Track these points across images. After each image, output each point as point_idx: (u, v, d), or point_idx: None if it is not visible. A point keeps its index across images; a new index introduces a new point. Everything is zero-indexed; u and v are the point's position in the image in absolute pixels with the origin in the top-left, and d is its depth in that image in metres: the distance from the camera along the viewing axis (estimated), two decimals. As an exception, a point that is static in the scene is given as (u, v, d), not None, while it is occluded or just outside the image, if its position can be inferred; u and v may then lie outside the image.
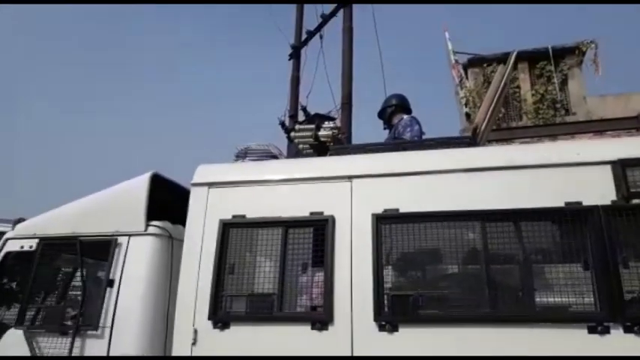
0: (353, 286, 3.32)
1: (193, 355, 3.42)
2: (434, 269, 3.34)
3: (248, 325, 3.42)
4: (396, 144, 4.14)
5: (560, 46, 12.89)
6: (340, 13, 8.63)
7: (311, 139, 4.90)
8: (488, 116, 4.40)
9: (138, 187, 4.10)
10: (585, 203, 3.12)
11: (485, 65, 13.51)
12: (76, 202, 4.26)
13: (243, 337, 3.40)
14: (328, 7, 8.97)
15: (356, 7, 8.47)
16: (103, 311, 3.74)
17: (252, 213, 3.69)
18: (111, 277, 3.84)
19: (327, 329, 3.27)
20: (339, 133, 5.03)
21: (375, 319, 3.19)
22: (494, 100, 4.49)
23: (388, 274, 3.30)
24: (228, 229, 3.69)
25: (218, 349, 3.40)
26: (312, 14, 9.34)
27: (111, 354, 3.62)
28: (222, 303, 3.51)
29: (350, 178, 3.62)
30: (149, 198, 4.05)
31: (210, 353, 3.40)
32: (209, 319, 3.46)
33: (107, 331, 3.70)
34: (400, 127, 4.84)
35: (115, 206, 4.14)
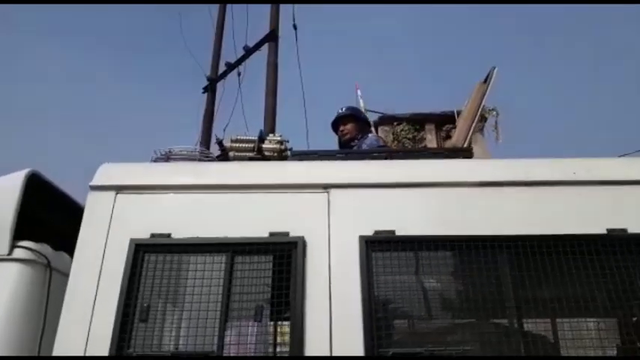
0: (333, 340, 2.28)
1: None
2: (447, 316, 2.40)
3: (169, 405, 2.20)
4: (381, 151, 3.26)
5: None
6: (264, 47, 8.18)
7: (252, 153, 3.90)
8: (469, 133, 3.74)
9: (5, 191, 2.75)
10: (632, 230, 2.45)
11: (395, 124, 13.63)
12: None
13: (161, 423, 2.17)
14: (251, 40, 8.49)
15: (281, 43, 8.04)
16: None
17: (182, 231, 2.54)
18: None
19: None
20: (286, 149, 4.09)
21: (370, 390, 2.17)
22: (474, 117, 3.86)
23: (384, 322, 2.31)
24: (143, 253, 2.49)
25: None
26: (231, 48, 8.80)
27: None
28: (127, 367, 2.26)
29: (326, 187, 2.64)
30: (20, 207, 2.71)
31: None
32: (106, 394, 2.19)
33: None
34: (364, 146, 4.00)
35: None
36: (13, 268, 2.61)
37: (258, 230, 2.52)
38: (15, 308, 2.55)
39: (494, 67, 4.24)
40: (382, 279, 2.39)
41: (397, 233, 2.47)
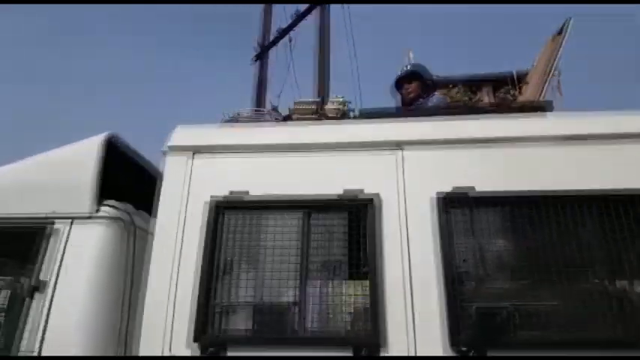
0: (414, 295, 2.30)
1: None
2: (531, 273, 2.35)
3: (255, 351, 2.29)
4: (456, 108, 3.16)
5: (524, 71, 12.71)
6: (315, 12, 8.04)
7: (314, 115, 3.89)
8: (544, 87, 3.56)
9: (87, 153, 2.87)
10: None
11: (450, 86, 13.18)
12: (-6, 170, 2.95)
13: (248, 369, 2.27)
14: (303, 6, 8.35)
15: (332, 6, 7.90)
16: (27, 331, 2.47)
17: (258, 190, 2.60)
18: (42, 277, 2.58)
19: (378, 357, 2.22)
20: (348, 110, 4.04)
21: (452, 344, 2.18)
22: (549, 71, 3.67)
23: (465, 278, 2.30)
24: (223, 211, 2.57)
25: (209, 387, 2.25)
26: (280, 15, 8.72)
27: (35, 395, 2.36)
28: (213, 318, 2.36)
29: (399, 145, 2.61)
30: (102, 169, 2.84)
31: (197, 394, 2.25)
32: (195, 341, 2.30)
33: (30, 360, 2.43)
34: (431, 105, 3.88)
35: (52, 178, 2.87)
36: (100, 226, 2.75)
37: (332, 189, 2.54)
38: (104, 264, 2.70)
39: (570, 18, 4.00)
40: (460, 236, 2.37)
41: (477, 190, 2.42)
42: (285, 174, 2.64)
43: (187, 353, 2.31)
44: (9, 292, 2.61)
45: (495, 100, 3.92)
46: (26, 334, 2.46)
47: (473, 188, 2.42)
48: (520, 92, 3.88)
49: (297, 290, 2.37)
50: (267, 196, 2.56)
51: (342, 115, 3.95)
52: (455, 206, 2.41)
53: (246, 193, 2.58)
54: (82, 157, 2.87)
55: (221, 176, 2.66)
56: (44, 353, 2.42)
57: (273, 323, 2.34)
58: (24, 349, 2.45)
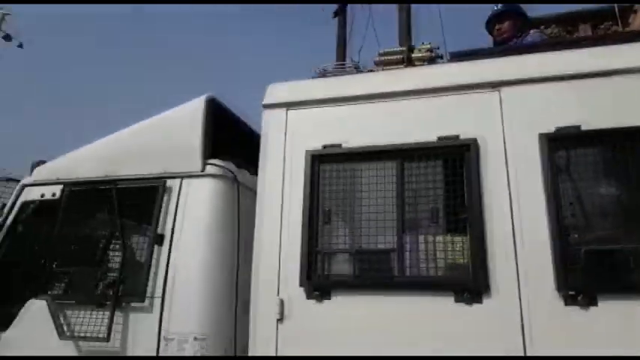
0: (517, 239, 2.24)
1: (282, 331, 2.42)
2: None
3: (357, 294, 2.39)
4: (555, 44, 2.95)
5: (627, 5, 11.33)
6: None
7: (402, 64, 3.79)
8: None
9: (191, 115, 3.07)
10: None
11: (542, 27, 12.18)
12: (110, 137, 3.26)
13: (351, 310, 2.38)
14: None
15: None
16: (151, 277, 2.77)
17: (351, 141, 2.63)
18: (159, 231, 2.85)
19: (480, 302, 2.22)
20: (436, 56, 3.90)
21: (559, 288, 2.12)
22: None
23: (573, 220, 2.20)
24: (319, 163, 2.64)
25: (316, 326, 2.40)
26: None
27: (163, 332, 2.66)
28: (316, 265, 2.48)
29: (497, 85, 2.50)
30: (206, 129, 3.02)
31: (306, 331, 2.40)
32: (301, 285, 2.45)
33: (157, 302, 2.72)
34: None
35: (162, 140, 3.12)
36: (208, 182, 2.96)
37: (427, 135, 2.51)
38: (212, 216, 2.91)
39: None
40: (567, 177, 2.25)
41: (583, 128, 2.27)
42: (379, 123, 2.64)
43: (295, 297, 2.46)
44: (136, 242, 2.93)
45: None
46: (151, 279, 2.75)
47: (579, 127, 2.27)
48: (626, 26, 3.49)
49: (395, 237, 2.40)
50: (362, 146, 2.59)
51: (431, 61, 3.84)
52: (561, 146, 2.28)
53: (341, 144, 2.63)
54: (188, 119, 3.07)
55: (316, 129, 2.73)
56: (167, 295, 2.69)
57: (372, 268, 2.41)
58: (149, 292, 2.74)
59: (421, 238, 2.41)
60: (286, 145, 2.74)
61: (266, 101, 2.87)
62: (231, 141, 3.32)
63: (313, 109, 2.78)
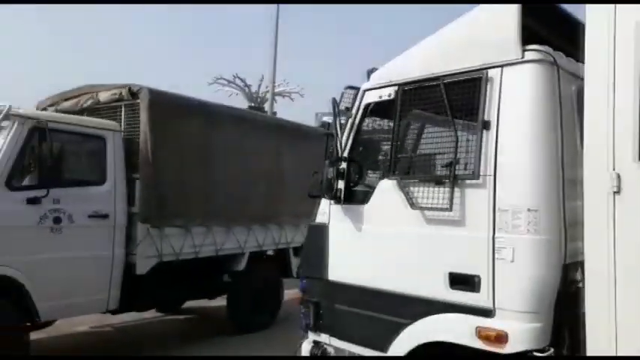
0: None
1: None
2: None
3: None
4: None
5: None
6: None
7: None
8: None
9: (505, 8, 3.19)
10: None
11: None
12: (431, 37, 3.67)
13: None
14: None
15: None
16: (482, 158, 3.18)
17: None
18: (486, 118, 3.20)
19: None
20: None
21: None
22: None
23: None
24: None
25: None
26: None
27: (498, 204, 3.08)
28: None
29: None
30: (521, 16, 3.11)
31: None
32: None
33: (489, 180, 3.14)
34: None
35: (476, 33, 3.38)
36: (528, 68, 3.11)
37: None
38: (536, 100, 3.08)
39: None
40: None
41: None
42: None
43: (632, 171, 2.53)
44: (464, 130, 3.37)
45: None
46: (482, 160, 3.16)
47: None
48: None
49: None
50: None
51: None
52: None
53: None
54: (500, 9, 3.21)
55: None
56: (497, 175, 3.08)
57: None
58: (482, 171, 3.17)
59: None
60: (616, 17, 2.63)
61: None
62: (552, 28, 3.34)
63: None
